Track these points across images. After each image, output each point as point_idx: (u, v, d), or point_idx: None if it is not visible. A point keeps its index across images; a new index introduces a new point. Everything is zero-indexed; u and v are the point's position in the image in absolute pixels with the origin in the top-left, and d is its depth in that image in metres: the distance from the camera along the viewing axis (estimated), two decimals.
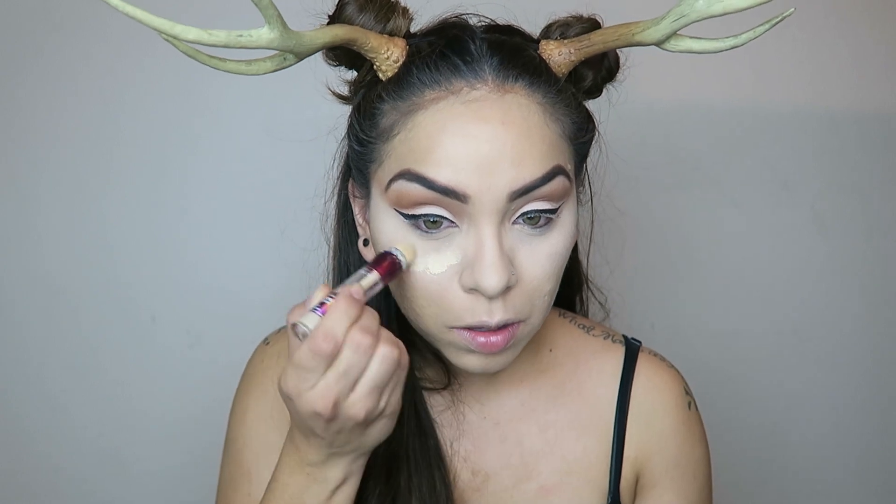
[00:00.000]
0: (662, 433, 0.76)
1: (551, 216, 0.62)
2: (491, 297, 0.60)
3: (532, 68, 0.62)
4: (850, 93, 1.26)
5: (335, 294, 0.57)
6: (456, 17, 0.68)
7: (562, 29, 0.67)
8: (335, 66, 0.67)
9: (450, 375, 0.75)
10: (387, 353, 0.57)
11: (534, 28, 0.70)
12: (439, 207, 0.60)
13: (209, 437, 1.09)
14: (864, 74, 1.26)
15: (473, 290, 0.60)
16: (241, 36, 0.55)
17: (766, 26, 0.57)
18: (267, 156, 1.17)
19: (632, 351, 0.79)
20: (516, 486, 0.74)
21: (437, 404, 0.75)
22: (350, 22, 0.63)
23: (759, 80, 1.23)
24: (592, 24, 0.67)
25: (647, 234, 1.24)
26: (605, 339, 0.80)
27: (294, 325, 0.57)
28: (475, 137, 0.58)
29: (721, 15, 0.55)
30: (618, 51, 0.68)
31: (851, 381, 1.31)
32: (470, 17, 0.68)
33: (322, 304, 0.57)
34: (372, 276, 0.59)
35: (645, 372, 0.78)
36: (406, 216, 0.61)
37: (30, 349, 1.15)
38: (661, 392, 0.77)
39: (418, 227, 0.61)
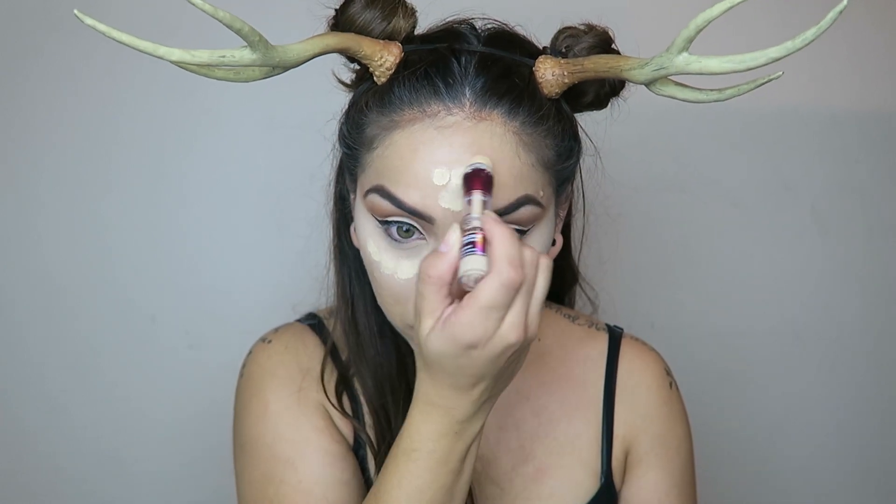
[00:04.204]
0: (647, 412, 0.81)
1: (519, 236, 0.63)
2: None
3: (515, 94, 0.62)
4: (851, 92, 1.26)
5: (476, 228, 0.55)
6: (459, 21, 0.68)
7: (570, 40, 0.67)
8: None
9: None
10: (547, 262, 0.57)
11: (546, 28, 0.70)
12: (409, 220, 0.62)
13: (209, 437, 1.10)
14: (864, 74, 1.26)
15: None
16: (223, 56, 0.57)
17: (751, 86, 0.60)
18: (266, 156, 1.17)
19: (615, 337, 0.84)
20: (514, 469, 0.78)
21: None
22: (354, 18, 0.64)
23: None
24: (601, 40, 0.67)
25: (646, 234, 1.24)
26: (589, 327, 0.85)
27: (461, 278, 0.55)
28: (444, 165, 0.60)
29: (697, 74, 0.58)
30: None
31: (852, 381, 1.31)
32: (476, 20, 0.68)
33: (471, 243, 0.54)
34: (479, 197, 0.57)
35: (628, 355, 0.83)
36: (380, 222, 0.64)
37: (30, 349, 1.15)
38: (644, 373, 0.82)
39: (390, 235, 0.63)
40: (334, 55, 0.66)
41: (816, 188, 1.28)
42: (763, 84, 0.58)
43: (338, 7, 0.66)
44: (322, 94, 0.73)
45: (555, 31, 0.69)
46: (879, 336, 1.31)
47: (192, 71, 0.60)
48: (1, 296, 1.14)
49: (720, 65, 0.57)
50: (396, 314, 0.66)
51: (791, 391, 1.30)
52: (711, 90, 0.61)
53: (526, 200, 0.62)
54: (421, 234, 0.63)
